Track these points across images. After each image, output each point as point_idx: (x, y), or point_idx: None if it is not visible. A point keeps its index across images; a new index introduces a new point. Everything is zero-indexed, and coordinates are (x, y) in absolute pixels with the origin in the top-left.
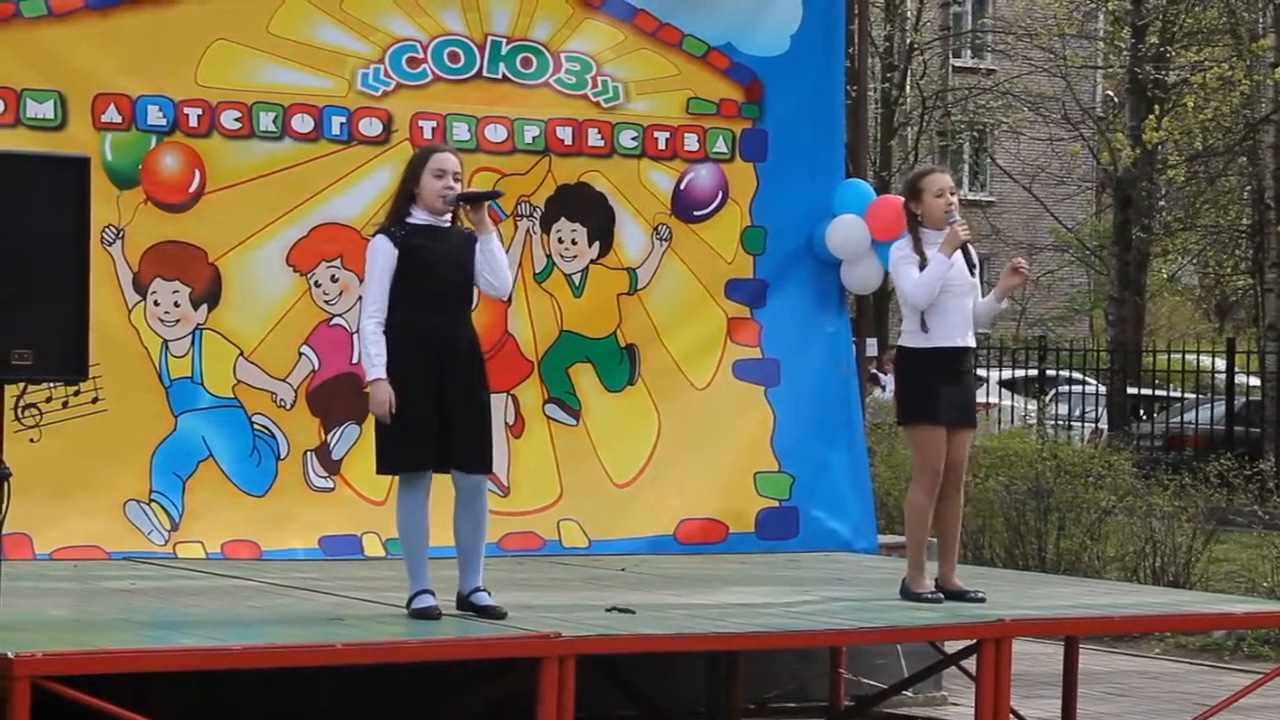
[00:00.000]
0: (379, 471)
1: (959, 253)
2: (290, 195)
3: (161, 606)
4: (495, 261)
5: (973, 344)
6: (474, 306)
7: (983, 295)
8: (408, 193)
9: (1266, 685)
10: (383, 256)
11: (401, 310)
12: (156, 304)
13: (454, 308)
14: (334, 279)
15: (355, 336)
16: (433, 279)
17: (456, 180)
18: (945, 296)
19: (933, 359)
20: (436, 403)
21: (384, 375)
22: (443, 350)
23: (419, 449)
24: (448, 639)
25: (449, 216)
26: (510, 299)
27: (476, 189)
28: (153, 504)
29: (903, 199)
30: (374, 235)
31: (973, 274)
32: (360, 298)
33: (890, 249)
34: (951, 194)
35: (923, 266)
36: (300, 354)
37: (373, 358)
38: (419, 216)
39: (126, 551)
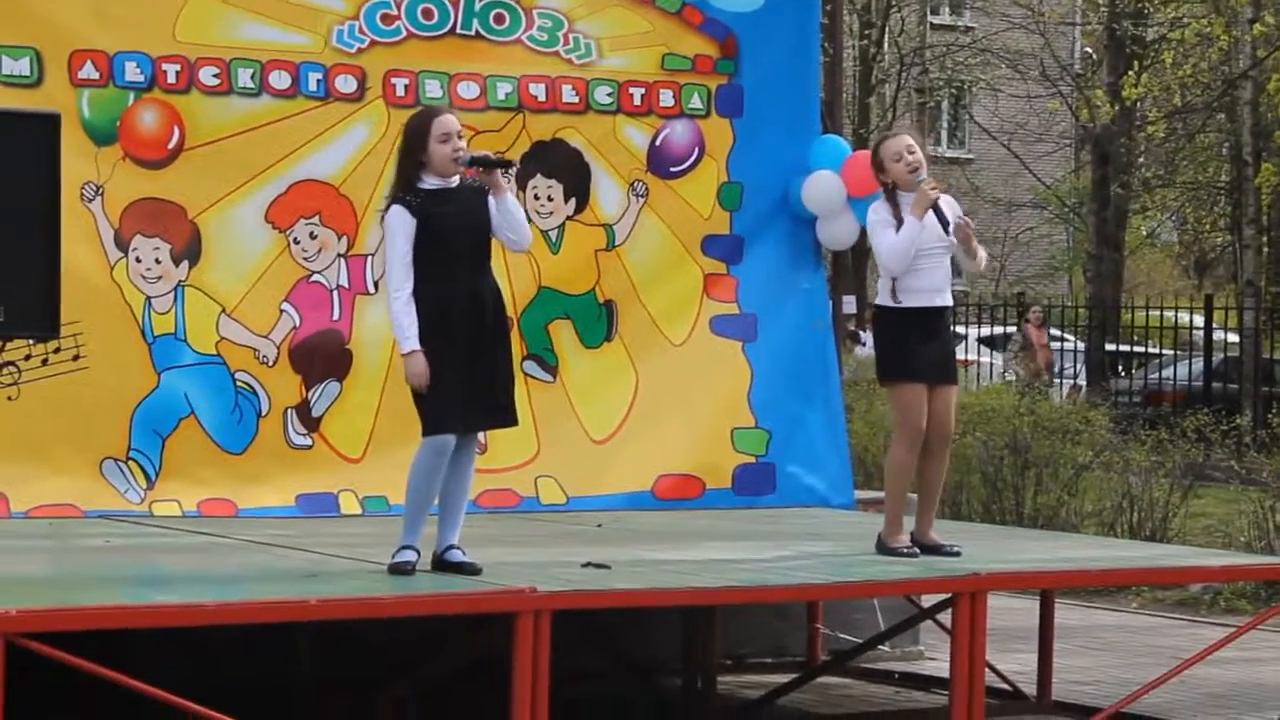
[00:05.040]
0: (426, 434)
1: (931, 213)
2: (268, 152)
3: (138, 564)
4: (514, 219)
5: (949, 303)
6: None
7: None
8: (415, 160)
9: (1242, 638)
10: (403, 227)
11: (425, 276)
12: (138, 260)
13: (476, 267)
14: (313, 236)
15: (335, 293)
16: (453, 242)
17: (461, 138)
18: (918, 259)
19: (909, 318)
20: (467, 365)
21: (418, 347)
22: (470, 312)
23: (464, 412)
24: (423, 594)
25: (456, 177)
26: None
27: (488, 154)
28: (130, 462)
29: (873, 170)
30: (388, 207)
31: (947, 231)
32: (336, 255)
33: (868, 211)
34: (911, 153)
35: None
36: (281, 310)
37: (405, 329)
38: (429, 181)
39: (102, 510)
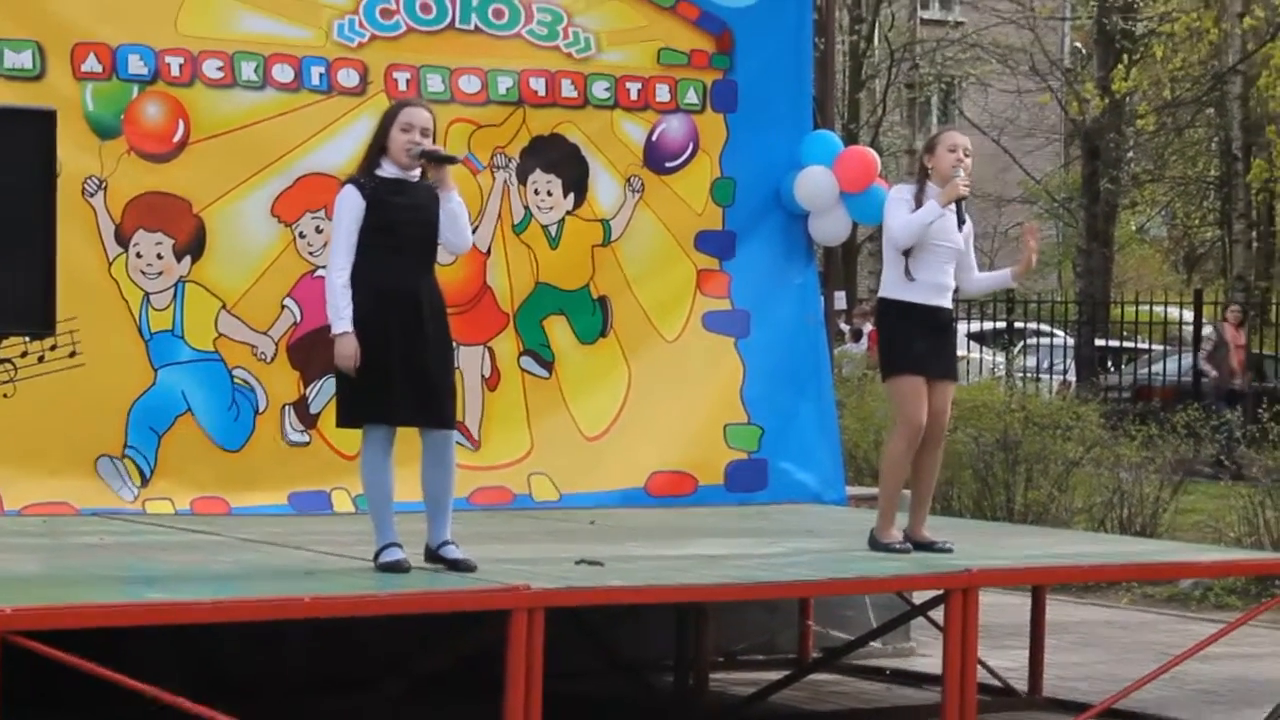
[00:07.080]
0: (339, 424)
1: (951, 211)
2: (274, 146)
3: (132, 562)
4: (456, 221)
5: (949, 305)
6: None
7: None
8: (378, 145)
9: (1232, 634)
10: (352, 207)
11: (366, 263)
12: (139, 256)
13: (418, 262)
14: (319, 230)
15: None
16: (398, 233)
17: (425, 135)
18: (929, 253)
19: (913, 312)
20: (398, 357)
21: (351, 329)
22: (405, 305)
23: (380, 403)
24: (416, 592)
25: (417, 171)
26: (490, 250)
27: (439, 149)
28: (125, 459)
29: (919, 152)
30: (342, 185)
31: (960, 229)
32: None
33: (889, 191)
34: (965, 154)
35: None
36: (283, 306)
37: (340, 310)
38: (388, 170)
39: (96, 508)
